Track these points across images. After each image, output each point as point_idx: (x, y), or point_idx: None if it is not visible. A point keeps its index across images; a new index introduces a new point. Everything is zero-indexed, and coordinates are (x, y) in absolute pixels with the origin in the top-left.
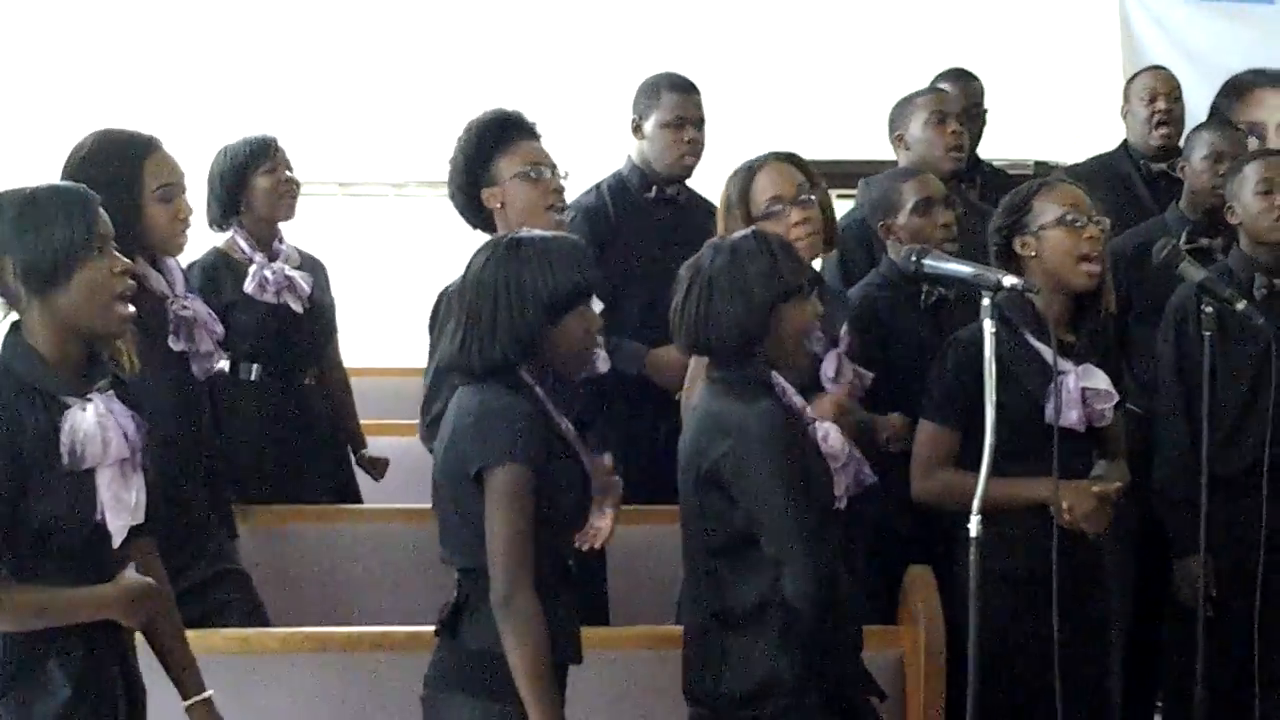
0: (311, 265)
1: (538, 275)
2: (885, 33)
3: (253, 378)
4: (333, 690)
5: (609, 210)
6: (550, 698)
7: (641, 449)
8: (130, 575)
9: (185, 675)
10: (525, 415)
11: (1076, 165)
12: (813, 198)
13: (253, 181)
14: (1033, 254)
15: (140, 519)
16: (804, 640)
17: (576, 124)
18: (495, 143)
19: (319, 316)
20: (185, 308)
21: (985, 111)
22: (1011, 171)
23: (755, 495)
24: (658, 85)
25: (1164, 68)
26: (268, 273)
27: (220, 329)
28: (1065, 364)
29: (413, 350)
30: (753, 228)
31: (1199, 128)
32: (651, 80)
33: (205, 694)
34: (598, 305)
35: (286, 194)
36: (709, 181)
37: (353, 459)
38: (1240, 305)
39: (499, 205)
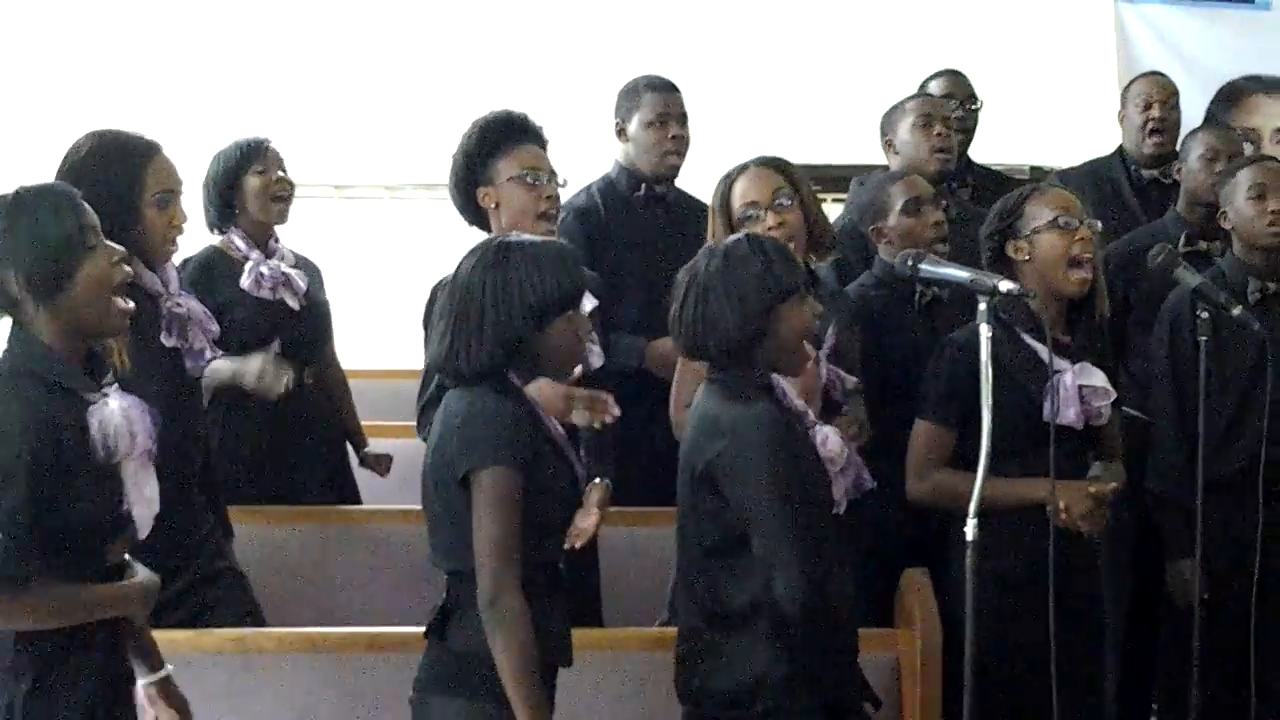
0: (304, 267)
1: (525, 280)
2: (880, 38)
3: None
4: (328, 691)
5: (600, 210)
6: (537, 699)
7: (638, 451)
8: (142, 570)
9: (151, 657)
10: (512, 418)
11: (1067, 170)
12: (787, 203)
13: (244, 183)
14: (1025, 257)
15: (156, 510)
16: (794, 642)
17: (572, 127)
18: (497, 143)
19: (315, 314)
20: (179, 305)
21: (978, 110)
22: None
23: (747, 496)
24: (637, 87)
25: (1162, 74)
26: (264, 269)
27: (215, 327)
28: (1062, 362)
29: (408, 352)
30: (745, 231)
31: (1195, 131)
32: (630, 83)
33: (167, 669)
34: (590, 303)
35: (278, 195)
36: (697, 184)
37: (355, 459)
38: (1236, 310)
39: (493, 206)
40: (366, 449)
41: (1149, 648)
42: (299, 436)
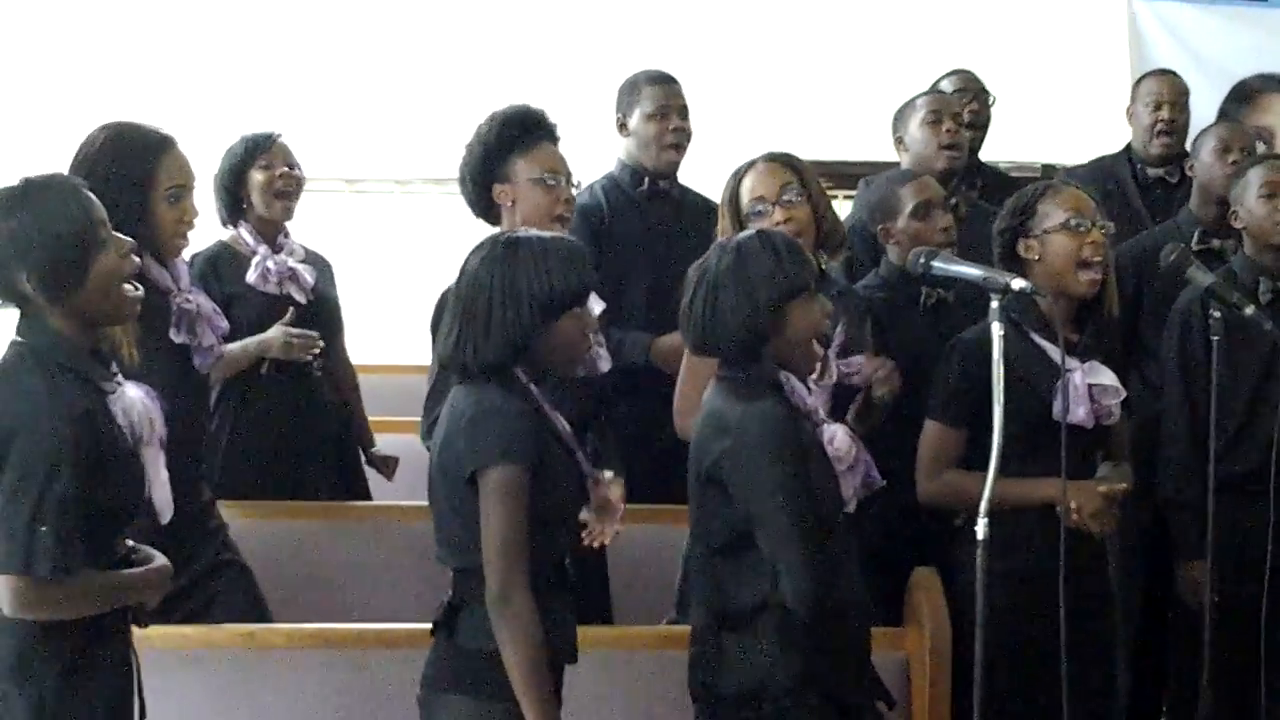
0: (315, 262)
1: (533, 276)
2: (892, 35)
3: (263, 371)
4: (337, 686)
5: (604, 208)
6: (546, 697)
7: (645, 449)
8: (156, 554)
9: None
10: (520, 415)
11: (1074, 168)
12: (795, 198)
13: (249, 178)
14: (1036, 257)
15: (171, 495)
16: (804, 641)
17: (585, 122)
18: (518, 140)
19: (323, 309)
20: (189, 301)
21: (991, 105)
22: (1017, 174)
23: (753, 495)
24: (637, 81)
25: (1173, 72)
26: (270, 263)
27: (225, 324)
28: (1071, 361)
29: (418, 347)
30: (757, 228)
31: (1207, 128)
32: (630, 78)
33: None
34: (598, 305)
35: (283, 189)
36: (710, 182)
37: (362, 457)
38: (1248, 310)
39: (509, 204)
40: (374, 449)
41: (1160, 648)
42: (309, 432)
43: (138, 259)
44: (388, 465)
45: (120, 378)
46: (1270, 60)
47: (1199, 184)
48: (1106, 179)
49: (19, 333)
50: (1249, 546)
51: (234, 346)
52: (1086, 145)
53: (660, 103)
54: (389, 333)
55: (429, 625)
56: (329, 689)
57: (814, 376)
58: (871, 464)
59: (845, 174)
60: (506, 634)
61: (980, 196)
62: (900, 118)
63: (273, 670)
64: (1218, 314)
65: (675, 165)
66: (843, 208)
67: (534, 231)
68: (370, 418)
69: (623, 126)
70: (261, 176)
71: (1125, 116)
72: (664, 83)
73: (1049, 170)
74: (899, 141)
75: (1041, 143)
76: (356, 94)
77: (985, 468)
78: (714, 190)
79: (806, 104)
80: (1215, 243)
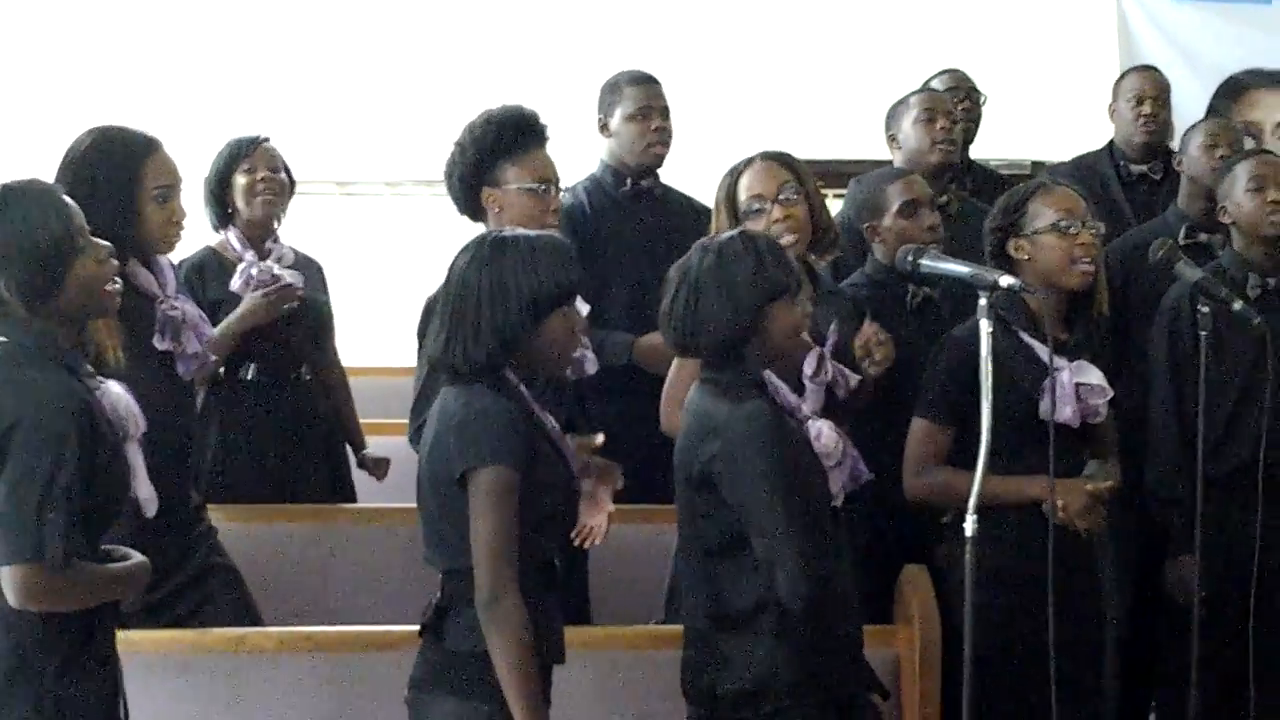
0: (305, 265)
1: (521, 275)
2: (882, 33)
3: (249, 376)
4: (327, 689)
5: (586, 209)
6: (534, 698)
7: (631, 450)
8: (133, 553)
9: None
10: (509, 416)
11: (1058, 165)
12: (794, 196)
13: (233, 182)
14: (1026, 257)
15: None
16: (800, 640)
17: (576, 121)
18: (511, 145)
19: (311, 314)
20: (174, 308)
21: (983, 102)
22: (1008, 172)
23: (745, 495)
24: (618, 82)
25: (1154, 68)
26: (254, 270)
27: (211, 331)
28: (1059, 360)
29: (408, 349)
30: (740, 228)
31: (1194, 124)
32: (611, 79)
33: None
34: (584, 307)
35: (265, 192)
36: (701, 181)
37: (353, 459)
38: (1237, 305)
39: (496, 209)
40: (365, 451)
41: (1149, 645)
42: (298, 434)
43: (116, 262)
44: (379, 467)
45: (100, 377)
46: (1258, 56)
47: (1187, 179)
48: (1088, 176)
49: (1, 332)
50: (1237, 543)
51: (214, 332)
52: (1076, 143)
53: (641, 103)
54: (379, 335)
55: (417, 628)
56: (319, 692)
57: (809, 374)
58: (858, 457)
59: (835, 172)
60: (496, 635)
61: (971, 195)
62: (893, 115)
63: (263, 674)
64: (1206, 309)
65: (659, 163)
66: (833, 206)
67: (521, 230)
68: (360, 420)
69: (604, 127)
70: (244, 180)
71: (1108, 114)
72: (645, 83)
73: (1038, 167)
74: (892, 139)
75: (1031, 140)
76: (347, 96)
77: (972, 466)
78: (705, 189)
79: (796, 102)
80: (1203, 237)
